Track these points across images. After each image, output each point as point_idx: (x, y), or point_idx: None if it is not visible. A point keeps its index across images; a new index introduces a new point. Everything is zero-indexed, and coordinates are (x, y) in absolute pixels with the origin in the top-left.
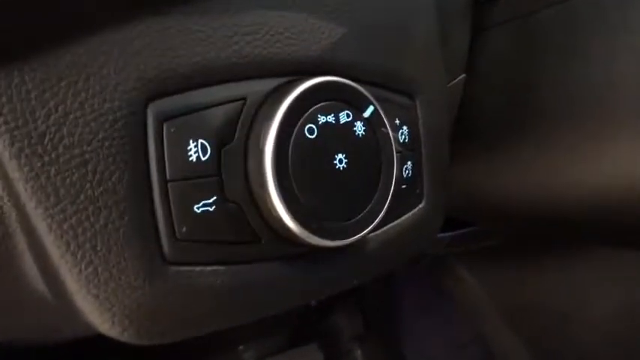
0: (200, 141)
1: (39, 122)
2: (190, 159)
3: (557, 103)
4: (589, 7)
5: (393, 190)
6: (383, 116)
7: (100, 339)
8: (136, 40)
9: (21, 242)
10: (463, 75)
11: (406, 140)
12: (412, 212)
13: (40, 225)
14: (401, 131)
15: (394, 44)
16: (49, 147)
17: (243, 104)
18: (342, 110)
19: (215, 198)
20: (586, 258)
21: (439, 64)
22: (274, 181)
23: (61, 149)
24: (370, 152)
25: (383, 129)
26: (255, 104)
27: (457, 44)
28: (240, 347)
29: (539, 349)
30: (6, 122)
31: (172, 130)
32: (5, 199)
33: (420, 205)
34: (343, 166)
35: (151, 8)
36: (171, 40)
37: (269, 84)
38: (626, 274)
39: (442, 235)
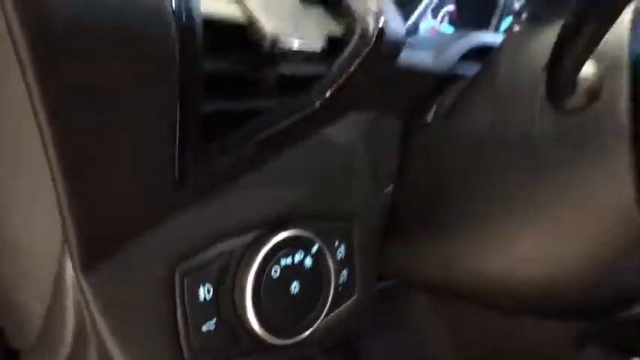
0: (207, 285)
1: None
2: (200, 299)
3: (461, 208)
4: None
5: (332, 294)
6: (325, 251)
7: None
8: (173, 232)
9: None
10: (391, 186)
11: (342, 257)
12: (346, 304)
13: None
14: (339, 250)
15: (337, 193)
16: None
17: (231, 255)
18: (297, 251)
19: (215, 320)
20: None
21: (373, 191)
22: (252, 308)
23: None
24: (315, 278)
25: (324, 262)
26: (239, 255)
27: (388, 165)
28: None
29: None
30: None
31: (190, 282)
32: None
33: (353, 298)
34: (297, 291)
35: (178, 212)
36: (193, 227)
37: (247, 239)
38: None
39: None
